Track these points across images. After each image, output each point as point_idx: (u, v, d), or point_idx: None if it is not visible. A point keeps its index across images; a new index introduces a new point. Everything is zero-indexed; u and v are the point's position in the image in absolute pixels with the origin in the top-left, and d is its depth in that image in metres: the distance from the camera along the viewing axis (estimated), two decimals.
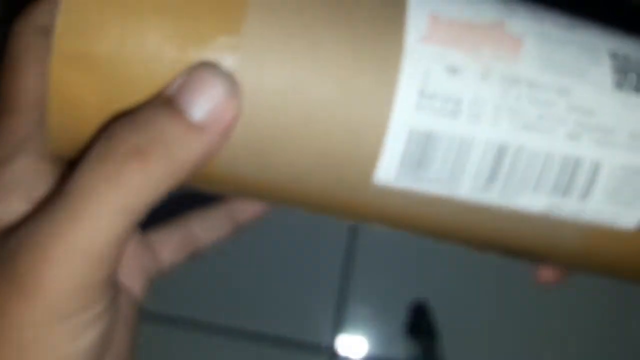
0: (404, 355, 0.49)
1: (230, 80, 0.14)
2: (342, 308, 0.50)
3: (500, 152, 0.15)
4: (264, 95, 0.15)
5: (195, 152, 0.14)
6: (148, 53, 0.14)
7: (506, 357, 0.49)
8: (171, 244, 0.23)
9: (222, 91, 0.14)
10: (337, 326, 0.50)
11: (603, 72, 0.15)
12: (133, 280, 0.21)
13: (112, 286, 0.15)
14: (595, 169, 0.16)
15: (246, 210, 0.23)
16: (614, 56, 0.16)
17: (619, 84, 0.16)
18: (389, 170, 0.15)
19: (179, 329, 0.50)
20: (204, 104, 0.14)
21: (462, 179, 0.15)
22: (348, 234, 0.52)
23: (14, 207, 0.16)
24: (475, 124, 0.15)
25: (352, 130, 0.15)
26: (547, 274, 0.27)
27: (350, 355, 0.50)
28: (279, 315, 0.50)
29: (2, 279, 0.14)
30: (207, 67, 0.14)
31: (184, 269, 0.54)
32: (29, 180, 0.16)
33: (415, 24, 0.15)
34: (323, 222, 0.52)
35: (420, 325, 0.49)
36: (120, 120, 0.14)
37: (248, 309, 0.51)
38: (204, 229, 0.23)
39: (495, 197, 0.16)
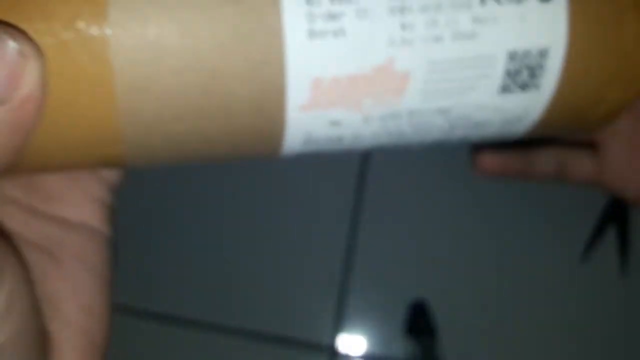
0: (404, 354, 0.49)
1: (19, 36, 0.12)
2: (342, 308, 0.50)
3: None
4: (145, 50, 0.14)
5: (2, 131, 0.13)
6: None
7: (505, 356, 0.49)
8: None
9: (12, 53, 0.12)
10: (337, 325, 0.50)
11: (491, 82, 0.15)
12: (85, 213, 0.20)
13: None
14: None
15: None
16: (511, 56, 0.15)
17: (504, 88, 0.16)
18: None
19: (178, 328, 0.50)
20: None
21: None
22: (348, 233, 0.52)
23: None
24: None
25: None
26: (487, 161, 0.28)
27: (350, 353, 0.50)
28: (280, 314, 0.50)
29: None
30: None
31: (184, 268, 0.54)
32: None
33: (294, 93, 0.14)
34: (323, 222, 0.52)
35: (419, 324, 0.49)
36: None
37: (249, 309, 0.51)
38: None
39: None
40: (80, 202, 0.20)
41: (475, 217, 0.51)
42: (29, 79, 0.12)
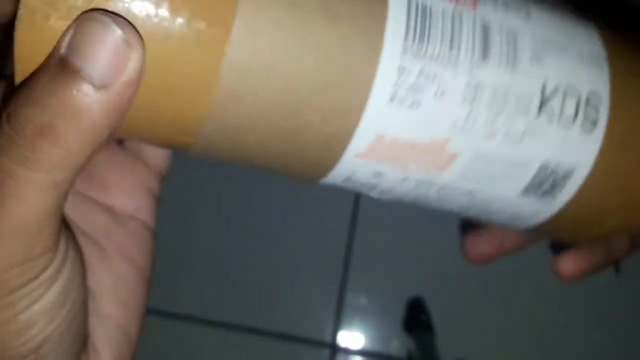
0: (402, 350, 0.50)
1: (125, 26, 0.13)
2: (342, 305, 0.51)
3: None
4: (251, 64, 0.14)
5: (103, 113, 0.13)
6: None
7: (501, 353, 0.50)
8: None
9: (118, 41, 0.13)
10: (338, 323, 0.51)
11: (518, 183, 0.17)
12: (135, 203, 0.20)
13: (58, 248, 0.15)
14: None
15: None
16: (543, 168, 0.17)
17: (527, 190, 0.18)
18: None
19: (184, 325, 0.51)
20: (99, 58, 0.13)
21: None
22: (348, 234, 0.52)
23: None
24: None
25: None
26: (566, 266, 0.27)
27: (350, 348, 0.50)
28: (281, 312, 0.51)
29: None
30: (94, 18, 0.13)
31: (188, 267, 0.54)
32: None
33: (358, 141, 0.16)
34: (323, 226, 0.52)
35: (417, 321, 0.49)
36: (18, 97, 0.13)
37: (252, 307, 0.51)
38: None
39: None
40: (133, 192, 0.20)
41: None
42: (131, 66, 0.13)
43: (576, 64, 0.17)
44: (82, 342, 0.17)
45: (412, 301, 0.50)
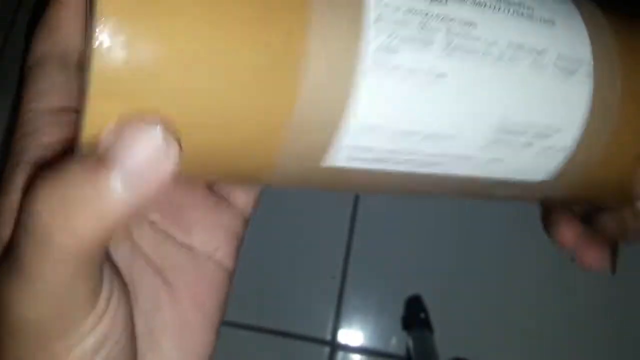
0: (401, 348, 0.50)
1: (164, 135, 0.13)
2: (341, 303, 0.51)
3: None
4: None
5: (123, 211, 0.13)
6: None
7: (498, 351, 0.50)
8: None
9: (154, 150, 0.13)
10: (337, 321, 0.51)
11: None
12: (214, 244, 0.20)
13: (98, 300, 0.15)
14: None
15: None
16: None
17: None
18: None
19: None
20: (133, 164, 0.13)
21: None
22: (348, 232, 0.53)
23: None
24: None
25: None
26: (592, 257, 0.26)
27: (349, 345, 0.51)
28: (282, 310, 0.51)
29: None
30: (136, 123, 0.13)
31: None
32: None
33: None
34: (323, 222, 0.52)
35: (416, 319, 0.50)
36: (41, 183, 0.13)
37: (252, 306, 0.51)
38: None
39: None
40: (214, 232, 0.20)
41: (469, 216, 0.52)
42: (163, 172, 0.13)
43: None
44: None
45: (411, 299, 0.51)
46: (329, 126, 0.15)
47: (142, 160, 0.13)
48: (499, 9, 0.17)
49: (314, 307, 0.51)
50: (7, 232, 0.15)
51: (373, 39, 0.15)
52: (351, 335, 0.51)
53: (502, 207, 0.51)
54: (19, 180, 0.16)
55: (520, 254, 0.51)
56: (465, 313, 0.50)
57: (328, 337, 0.51)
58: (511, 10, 0.17)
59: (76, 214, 0.13)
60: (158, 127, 0.13)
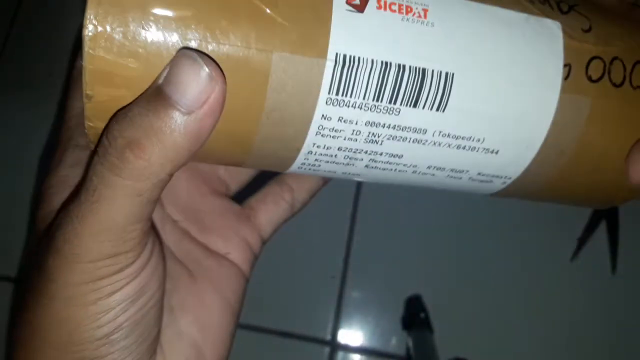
0: (401, 348, 0.51)
1: (212, 64, 0.15)
2: (341, 303, 0.52)
3: None
4: None
5: (187, 135, 0.15)
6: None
7: (497, 350, 0.50)
8: (266, 208, 0.24)
9: (203, 77, 0.15)
10: (338, 321, 0.51)
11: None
12: (229, 248, 0.23)
13: (142, 252, 0.18)
14: None
15: None
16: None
17: None
18: None
19: None
20: (188, 92, 0.15)
21: None
22: (348, 232, 0.53)
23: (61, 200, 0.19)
24: None
25: None
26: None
27: (349, 345, 0.51)
28: (282, 311, 0.51)
29: (49, 252, 0.17)
30: (188, 55, 0.15)
31: None
32: (74, 176, 0.19)
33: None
34: (323, 222, 0.52)
35: (416, 319, 0.50)
36: (117, 116, 0.16)
37: (252, 306, 0.50)
38: (297, 182, 0.25)
39: None
40: (230, 240, 0.23)
41: (468, 216, 0.52)
42: (214, 98, 0.15)
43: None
44: (150, 342, 0.19)
45: (411, 299, 0.51)
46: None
47: (193, 92, 0.15)
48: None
49: (314, 307, 0.52)
50: (58, 201, 0.18)
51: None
52: (351, 335, 0.51)
53: (503, 207, 0.51)
54: (68, 159, 0.19)
55: (521, 254, 0.51)
56: (465, 313, 0.51)
57: (328, 337, 0.51)
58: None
59: (145, 144, 0.15)
60: (205, 65, 0.15)
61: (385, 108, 0.17)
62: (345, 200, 0.53)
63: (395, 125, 0.17)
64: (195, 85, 0.15)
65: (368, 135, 0.17)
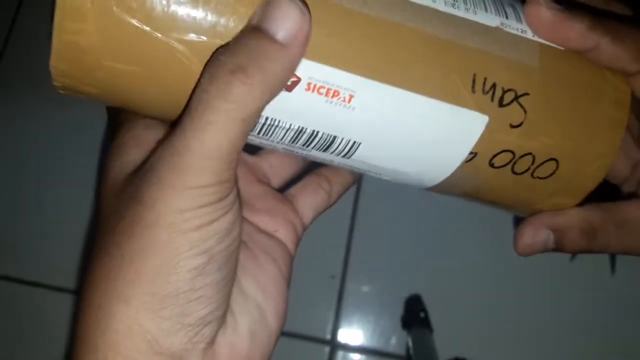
0: (401, 347, 0.51)
1: (302, 2, 0.18)
2: (341, 303, 0.52)
3: None
4: None
5: (283, 64, 0.17)
6: None
7: (497, 350, 0.50)
8: (307, 195, 0.26)
9: (297, 12, 0.17)
10: (338, 320, 0.52)
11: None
12: (283, 232, 0.24)
13: (235, 185, 0.19)
14: None
15: None
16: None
17: None
18: None
19: None
20: (284, 25, 0.17)
21: None
22: (348, 232, 0.53)
23: (133, 157, 0.19)
24: None
25: None
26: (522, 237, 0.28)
27: (349, 344, 0.51)
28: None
29: (147, 183, 0.18)
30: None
31: None
32: (144, 134, 0.20)
33: None
34: (323, 222, 0.52)
35: (416, 318, 0.50)
36: (220, 49, 0.17)
37: None
38: (333, 174, 0.27)
39: None
40: (277, 219, 0.24)
41: (468, 216, 0.52)
42: (304, 31, 0.17)
43: None
44: (231, 287, 0.20)
45: (411, 299, 0.51)
46: None
47: (289, 25, 0.17)
48: None
49: (314, 307, 0.52)
50: (136, 153, 0.19)
51: None
52: (351, 334, 0.51)
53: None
54: (140, 123, 0.20)
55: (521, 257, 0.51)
56: (465, 313, 0.51)
57: (328, 336, 0.51)
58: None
59: (249, 69, 0.17)
60: (299, 2, 0.17)
61: (299, 147, 0.21)
62: (345, 200, 0.53)
63: (307, 155, 0.21)
64: (291, 20, 0.17)
65: (286, 148, 0.21)
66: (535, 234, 0.26)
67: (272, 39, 0.17)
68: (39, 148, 0.57)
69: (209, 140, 0.17)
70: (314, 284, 0.52)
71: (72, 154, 0.56)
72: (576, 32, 0.20)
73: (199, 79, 0.18)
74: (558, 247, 0.27)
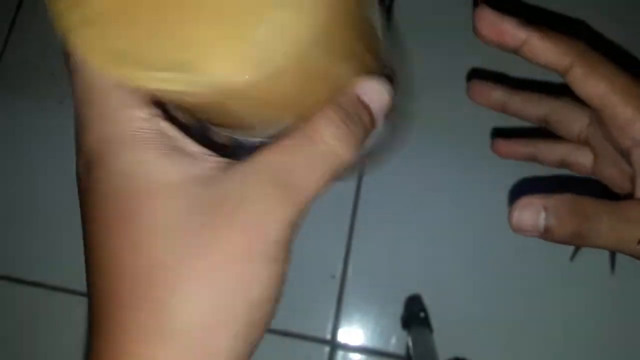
0: (401, 347, 0.51)
1: (388, 84, 0.22)
2: (341, 303, 0.52)
3: None
4: None
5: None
6: None
7: (497, 350, 0.51)
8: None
9: (388, 96, 0.22)
10: (337, 320, 0.52)
11: None
12: None
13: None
14: None
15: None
16: None
17: None
18: None
19: None
20: (379, 105, 0.22)
21: None
22: (348, 231, 0.53)
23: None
24: None
25: None
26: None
27: (349, 344, 0.51)
28: (282, 310, 0.51)
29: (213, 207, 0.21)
30: (378, 82, 0.22)
31: None
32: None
33: None
34: (323, 222, 0.52)
35: (415, 319, 0.50)
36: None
37: None
38: None
39: None
40: None
41: (468, 216, 0.52)
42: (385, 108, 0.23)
43: None
44: None
45: (411, 299, 0.51)
46: None
47: (382, 105, 0.22)
48: None
49: (314, 307, 0.52)
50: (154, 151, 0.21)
51: None
52: (351, 334, 0.51)
53: (503, 207, 0.51)
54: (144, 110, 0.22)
55: (521, 253, 0.51)
56: (465, 313, 0.51)
57: (328, 336, 0.51)
58: None
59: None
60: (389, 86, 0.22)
61: None
62: (345, 200, 0.53)
63: None
64: (383, 102, 0.22)
65: None
66: (529, 207, 0.29)
67: (370, 119, 0.23)
68: (39, 148, 0.57)
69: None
70: (314, 284, 0.52)
71: (72, 154, 0.56)
72: (509, 25, 0.27)
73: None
74: (548, 227, 0.29)
